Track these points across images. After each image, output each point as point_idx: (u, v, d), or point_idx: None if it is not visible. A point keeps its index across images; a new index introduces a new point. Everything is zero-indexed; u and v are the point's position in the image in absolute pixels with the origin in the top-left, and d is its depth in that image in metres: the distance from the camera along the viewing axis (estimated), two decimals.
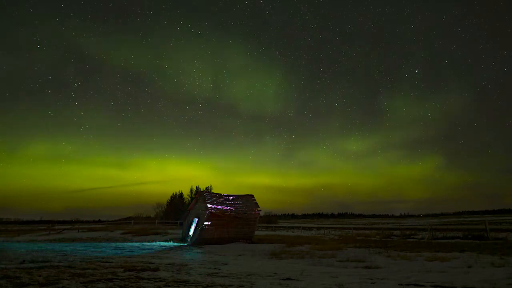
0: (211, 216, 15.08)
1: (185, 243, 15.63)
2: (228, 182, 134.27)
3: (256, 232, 19.41)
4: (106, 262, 6.86)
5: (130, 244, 14.45)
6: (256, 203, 17.36)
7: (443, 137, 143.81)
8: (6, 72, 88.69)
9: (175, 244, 15.08)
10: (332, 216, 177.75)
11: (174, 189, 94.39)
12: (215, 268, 6.42)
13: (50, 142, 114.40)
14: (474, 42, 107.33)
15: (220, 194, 17.19)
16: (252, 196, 17.98)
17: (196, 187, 46.77)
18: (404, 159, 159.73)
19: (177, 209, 43.48)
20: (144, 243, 15.31)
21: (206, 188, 45.62)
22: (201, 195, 16.99)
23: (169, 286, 4.19)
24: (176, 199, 47.25)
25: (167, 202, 47.79)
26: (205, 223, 15.00)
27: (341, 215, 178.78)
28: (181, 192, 48.28)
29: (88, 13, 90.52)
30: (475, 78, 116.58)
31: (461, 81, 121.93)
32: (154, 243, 15.13)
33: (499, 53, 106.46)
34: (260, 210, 16.97)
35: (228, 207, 16.02)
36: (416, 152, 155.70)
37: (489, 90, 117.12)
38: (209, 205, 15.23)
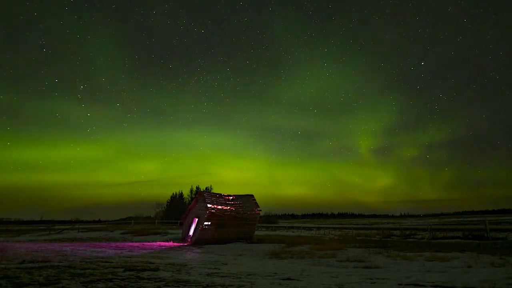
0: (211, 216, 15.08)
1: (185, 243, 15.63)
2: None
3: (256, 232, 19.44)
4: (106, 262, 6.86)
5: (130, 244, 14.44)
6: (256, 203, 17.37)
7: (448, 134, 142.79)
8: (12, 74, 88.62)
9: (175, 244, 15.08)
10: (332, 216, 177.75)
11: (176, 189, 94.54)
12: (215, 268, 6.42)
13: (56, 143, 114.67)
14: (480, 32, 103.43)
15: (220, 194, 17.21)
16: (252, 196, 17.99)
17: (196, 187, 46.82)
18: (408, 157, 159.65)
19: (177, 209, 43.50)
20: (144, 243, 15.31)
21: (206, 188, 45.65)
22: (201, 195, 17.00)
23: (169, 286, 4.19)
24: (176, 199, 47.28)
25: (167, 202, 47.84)
26: (205, 223, 15.01)
27: (341, 215, 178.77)
28: (181, 192, 48.36)
29: (91, 15, 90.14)
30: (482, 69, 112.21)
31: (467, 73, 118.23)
32: (154, 243, 15.13)
33: (506, 43, 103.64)
34: (260, 210, 16.99)
35: (228, 207, 16.02)
36: (420, 151, 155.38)
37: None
38: (209, 205, 15.23)
